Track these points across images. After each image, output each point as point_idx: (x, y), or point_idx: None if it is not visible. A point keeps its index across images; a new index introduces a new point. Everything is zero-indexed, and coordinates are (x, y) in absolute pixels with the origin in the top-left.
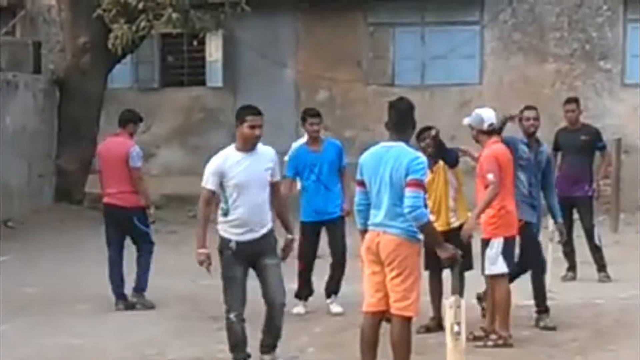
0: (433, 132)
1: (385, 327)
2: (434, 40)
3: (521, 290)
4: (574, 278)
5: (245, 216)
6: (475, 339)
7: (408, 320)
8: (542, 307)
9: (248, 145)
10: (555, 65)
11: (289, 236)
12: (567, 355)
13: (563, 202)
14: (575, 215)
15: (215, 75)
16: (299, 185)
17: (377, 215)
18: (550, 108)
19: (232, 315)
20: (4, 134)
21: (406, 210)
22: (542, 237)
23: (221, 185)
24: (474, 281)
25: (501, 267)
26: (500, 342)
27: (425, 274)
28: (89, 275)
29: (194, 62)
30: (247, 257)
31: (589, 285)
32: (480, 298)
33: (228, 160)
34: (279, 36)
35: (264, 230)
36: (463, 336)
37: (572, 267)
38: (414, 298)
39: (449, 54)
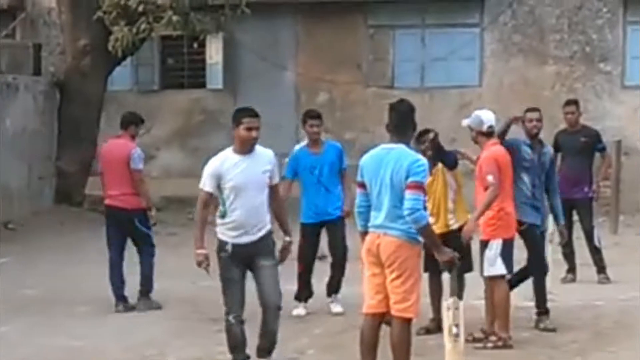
0: (431, 135)
1: (385, 328)
2: (434, 42)
3: (521, 292)
4: (573, 280)
5: (242, 219)
6: (475, 340)
7: (408, 321)
8: (542, 309)
9: (245, 148)
10: (555, 67)
11: (287, 238)
12: (567, 356)
13: (563, 204)
14: (575, 217)
15: (215, 77)
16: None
17: (377, 217)
18: (550, 110)
19: (231, 317)
20: (4, 136)
21: (406, 212)
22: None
23: (219, 187)
24: (474, 283)
25: (500, 268)
26: (500, 343)
27: (425, 276)
28: (89, 277)
29: (194, 64)
30: (244, 259)
31: (589, 286)
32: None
33: (225, 162)
34: (279, 39)
35: (262, 233)
36: (462, 338)
37: (571, 269)
38: (414, 300)
39: (448, 56)
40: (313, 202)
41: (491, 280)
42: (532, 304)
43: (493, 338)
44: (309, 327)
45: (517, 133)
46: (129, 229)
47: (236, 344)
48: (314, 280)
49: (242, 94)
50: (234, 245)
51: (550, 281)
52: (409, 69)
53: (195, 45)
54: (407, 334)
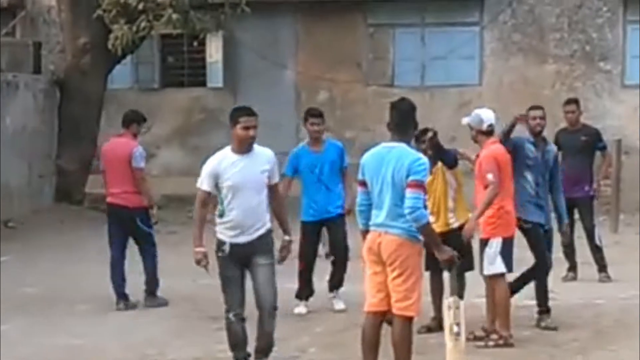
0: (430, 134)
1: (386, 327)
2: (434, 41)
3: (522, 291)
4: (574, 278)
5: (239, 218)
6: (476, 339)
7: (409, 320)
8: (543, 308)
9: (243, 147)
10: (555, 66)
11: (286, 237)
12: (568, 355)
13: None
14: (576, 216)
15: (215, 76)
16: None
17: (378, 216)
18: (550, 109)
19: (231, 315)
20: (4, 134)
21: (406, 211)
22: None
23: (217, 186)
24: (475, 281)
25: (499, 266)
26: (501, 342)
27: (426, 275)
28: (89, 276)
29: (194, 62)
30: (241, 258)
31: (590, 285)
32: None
33: (223, 161)
34: (279, 37)
35: (260, 232)
36: (463, 336)
37: (572, 268)
38: (416, 298)
39: (448, 55)
40: (313, 200)
41: (491, 279)
42: (534, 302)
43: (494, 336)
44: (310, 325)
45: (520, 132)
46: (131, 227)
47: (237, 342)
48: (315, 279)
49: (242, 93)
50: (232, 245)
51: (551, 280)
52: (408, 68)
53: (195, 43)
54: (408, 333)
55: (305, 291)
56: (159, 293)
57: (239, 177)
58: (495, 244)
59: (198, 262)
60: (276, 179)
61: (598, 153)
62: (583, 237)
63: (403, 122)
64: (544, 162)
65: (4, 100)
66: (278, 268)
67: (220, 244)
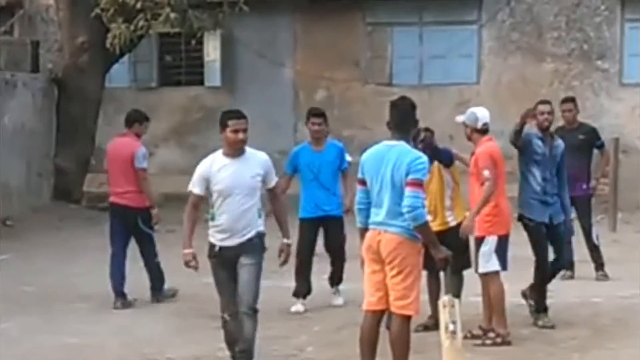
0: (422, 135)
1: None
2: (432, 39)
3: (521, 289)
4: (572, 277)
5: (229, 223)
6: (474, 337)
7: (407, 318)
8: (541, 306)
9: (233, 150)
10: (553, 65)
11: (285, 241)
12: (566, 353)
13: None
14: (573, 214)
15: (213, 74)
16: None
17: (378, 214)
18: None
19: (225, 315)
20: (2, 133)
21: (405, 210)
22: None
23: (208, 190)
24: (473, 280)
25: (494, 264)
26: (498, 340)
27: (424, 274)
28: (87, 274)
29: (192, 61)
30: (231, 260)
31: (587, 283)
32: (525, 295)
33: (213, 165)
34: (277, 36)
35: (250, 235)
36: (459, 335)
37: (570, 266)
38: (414, 297)
39: (447, 53)
40: (311, 198)
41: (486, 277)
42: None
43: (491, 335)
44: (308, 323)
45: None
46: (133, 227)
47: (233, 340)
48: (313, 278)
49: (239, 91)
50: (222, 248)
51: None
52: (407, 67)
53: (193, 42)
54: (406, 331)
55: (302, 289)
56: (146, 294)
57: (229, 181)
58: (491, 242)
59: (187, 264)
60: (273, 183)
61: (596, 151)
62: (581, 235)
63: (403, 120)
64: (552, 157)
65: (2, 99)
66: (277, 267)
67: (211, 247)
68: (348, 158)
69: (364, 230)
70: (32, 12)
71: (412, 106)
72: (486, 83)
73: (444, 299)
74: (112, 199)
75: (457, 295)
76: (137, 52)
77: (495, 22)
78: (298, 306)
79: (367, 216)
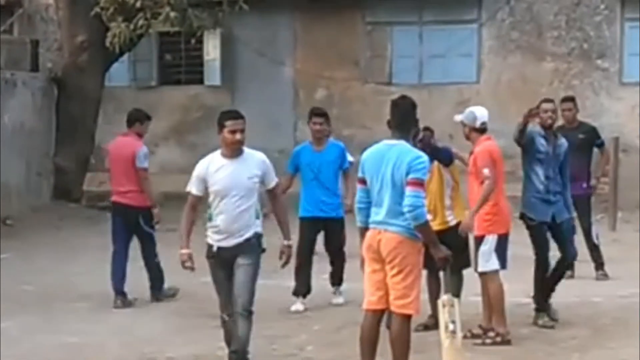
0: (420, 135)
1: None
2: (432, 39)
3: (521, 289)
4: (571, 276)
5: (226, 224)
6: (474, 336)
7: (408, 318)
8: (541, 306)
9: (231, 151)
10: (552, 64)
11: (285, 242)
12: (566, 352)
13: None
14: (574, 213)
15: (213, 73)
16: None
17: (378, 213)
18: None
19: (224, 315)
20: (2, 132)
21: (405, 209)
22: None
23: (206, 190)
24: (473, 279)
25: (494, 263)
26: (498, 339)
27: (423, 273)
28: (87, 273)
29: (192, 60)
30: (228, 261)
31: (587, 283)
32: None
33: (211, 166)
34: (277, 35)
35: (247, 235)
36: (459, 334)
37: (570, 265)
38: (415, 296)
39: (446, 52)
40: (311, 197)
41: (485, 276)
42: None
43: (491, 334)
44: (308, 323)
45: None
46: (134, 226)
47: (231, 339)
48: (313, 277)
49: (239, 90)
50: (219, 248)
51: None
52: (406, 66)
53: (193, 41)
54: (406, 330)
55: (302, 288)
56: (145, 293)
57: (226, 182)
58: (491, 241)
59: (183, 264)
60: (272, 184)
61: (595, 151)
62: (580, 234)
63: (403, 119)
64: (555, 156)
65: (2, 98)
66: (277, 267)
67: (209, 247)
68: (350, 158)
69: (364, 230)
70: (32, 11)
71: (413, 105)
72: (486, 82)
73: (444, 298)
74: (113, 198)
75: (457, 294)
76: (137, 51)
77: (495, 21)
78: (298, 305)
79: (367, 215)
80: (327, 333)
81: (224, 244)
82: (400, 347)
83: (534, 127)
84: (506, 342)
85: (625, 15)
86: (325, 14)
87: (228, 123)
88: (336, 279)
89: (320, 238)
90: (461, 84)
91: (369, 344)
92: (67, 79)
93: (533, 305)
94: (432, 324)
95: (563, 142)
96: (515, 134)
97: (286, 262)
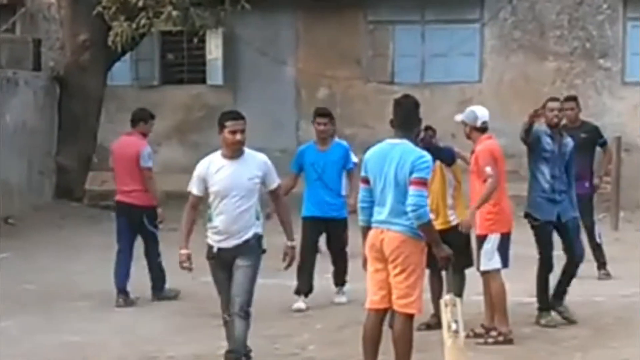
0: (422, 134)
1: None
2: (434, 38)
3: (523, 288)
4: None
5: (225, 225)
6: (476, 336)
7: (410, 317)
8: (543, 305)
9: (231, 151)
10: (555, 64)
11: (289, 243)
12: (568, 352)
13: None
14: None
15: (215, 73)
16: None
17: (381, 213)
18: None
19: (225, 315)
20: (4, 131)
21: (409, 208)
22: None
23: (206, 190)
24: (475, 278)
25: (496, 262)
26: (500, 338)
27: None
28: (88, 273)
29: (194, 59)
30: (228, 262)
31: (589, 282)
32: (553, 307)
33: (211, 166)
34: (279, 34)
35: (247, 236)
36: (461, 334)
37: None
38: (417, 295)
39: (448, 52)
40: (314, 197)
41: (487, 275)
42: (533, 299)
43: (493, 333)
44: (310, 322)
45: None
46: (138, 225)
47: (229, 339)
48: (315, 276)
49: (242, 90)
50: (219, 249)
51: (552, 277)
52: (408, 65)
53: (195, 40)
54: (409, 330)
55: (304, 287)
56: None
57: (226, 182)
58: (493, 240)
59: (181, 264)
60: (274, 185)
61: (598, 150)
62: (583, 234)
63: (407, 118)
64: (561, 155)
65: (4, 97)
66: (279, 266)
67: (209, 248)
68: (354, 159)
69: (366, 229)
70: (34, 10)
71: (416, 104)
72: (488, 81)
73: (446, 298)
74: (118, 197)
75: (459, 294)
76: (139, 50)
77: (498, 20)
78: (300, 303)
79: (370, 214)
80: (330, 332)
81: (224, 244)
82: (403, 346)
83: (540, 126)
84: (508, 341)
85: (628, 14)
86: (328, 13)
87: (228, 123)
88: (339, 279)
89: (322, 237)
90: (463, 83)
91: (372, 343)
92: (69, 78)
93: (535, 305)
94: (434, 323)
95: (569, 141)
96: (521, 133)
97: (289, 264)
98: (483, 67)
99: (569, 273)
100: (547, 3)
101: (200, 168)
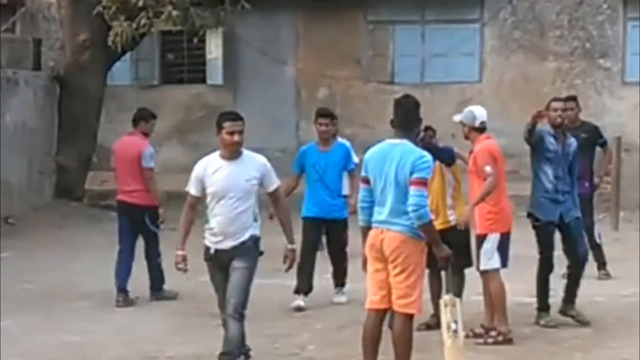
0: (421, 134)
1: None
2: (434, 38)
3: (523, 288)
4: None
5: (222, 226)
6: (476, 336)
7: (410, 317)
8: (543, 305)
9: (229, 152)
10: (555, 64)
11: (289, 246)
12: (568, 352)
13: None
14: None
15: (215, 72)
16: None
17: (381, 213)
18: None
19: (223, 315)
20: (4, 131)
21: (410, 208)
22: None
23: (204, 191)
24: (475, 278)
25: (496, 262)
26: (500, 338)
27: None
28: (88, 272)
29: (194, 59)
30: (225, 263)
31: (589, 282)
32: (564, 312)
33: (208, 167)
34: (280, 34)
35: (243, 238)
36: (461, 334)
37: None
38: (417, 295)
39: (448, 52)
40: (314, 197)
41: (486, 274)
42: (533, 299)
43: (493, 333)
44: (310, 322)
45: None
46: (140, 225)
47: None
48: (315, 276)
49: (242, 90)
50: (216, 251)
51: (551, 277)
52: (408, 65)
53: (195, 40)
54: (408, 330)
55: (304, 286)
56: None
57: (223, 183)
58: (493, 239)
59: (177, 265)
60: (272, 187)
61: (597, 150)
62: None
63: (407, 119)
64: (564, 155)
65: (3, 97)
66: (278, 266)
67: (206, 250)
68: (355, 159)
69: (366, 229)
70: (34, 9)
71: (416, 104)
72: (488, 81)
73: (445, 298)
74: (119, 197)
75: (459, 294)
76: (139, 50)
77: (498, 20)
78: (299, 302)
79: (370, 214)
80: (329, 332)
81: (221, 246)
82: (403, 347)
83: (544, 126)
84: (508, 340)
85: (628, 14)
86: (327, 13)
87: (226, 124)
88: (339, 280)
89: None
90: (463, 83)
91: (372, 343)
92: (69, 78)
93: (535, 305)
94: (434, 324)
95: (572, 141)
96: (524, 133)
97: (290, 266)
98: (483, 67)
99: (574, 276)
100: (547, 3)
101: (198, 169)
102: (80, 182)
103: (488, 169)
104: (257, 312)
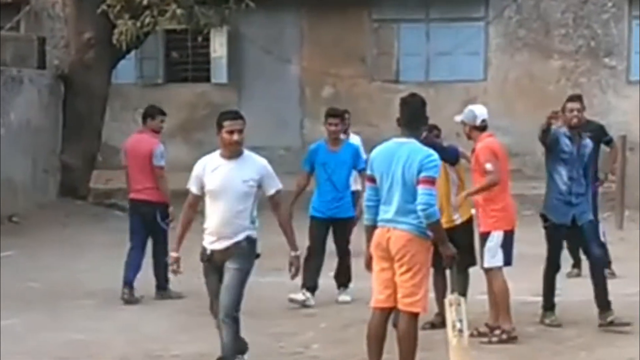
0: (424, 134)
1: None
2: (439, 36)
3: (527, 287)
4: (579, 275)
5: (217, 226)
6: (480, 335)
7: (415, 316)
8: (548, 304)
9: (229, 152)
10: (560, 62)
11: (292, 253)
12: (572, 351)
13: None
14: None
15: (219, 71)
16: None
17: (387, 212)
18: (554, 105)
19: (217, 321)
20: (8, 129)
21: (419, 207)
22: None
23: (203, 190)
24: (480, 277)
25: (499, 260)
26: (504, 337)
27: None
28: (93, 271)
29: (199, 58)
30: (219, 264)
31: None
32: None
33: (208, 165)
34: (284, 32)
35: (238, 238)
36: (466, 333)
37: (577, 264)
38: (422, 294)
39: (453, 50)
40: (321, 197)
41: (490, 272)
42: (538, 299)
43: (497, 332)
44: (314, 320)
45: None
46: (151, 222)
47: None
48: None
49: (246, 88)
50: (212, 251)
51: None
52: (413, 63)
53: (200, 38)
54: (413, 328)
55: (309, 281)
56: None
57: (220, 183)
58: (497, 237)
59: (170, 266)
60: (272, 190)
61: (603, 148)
62: None
63: (413, 117)
64: (579, 156)
65: (8, 96)
66: (280, 265)
67: (203, 250)
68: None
69: (372, 228)
70: (39, 8)
71: (423, 103)
72: (493, 80)
73: (450, 297)
74: (131, 195)
75: (463, 293)
76: (144, 48)
77: (502, 18)
78: (299, 295)
79: (376, 214)
80: (334, 331)
81: (216, 246)
82: (408, 345)
83: (559, 126)
84: (512, 338)
85: (633, 13)
86: (332, 11)
87: (226, 123)
88: (342, 279)
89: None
90: (468, 82)
91: (376, 342)
92: (73, 76)
93: (540, 304)
94: (439, 322)
95: (587, 142)
96: (539, 134)
97: (296, 274)
98: (488, 66)
99: (595, 281)
100: (552, 1)
101: (198, 167)
102: (84, 181)
103: (489, 166)
104: (262, 310)
